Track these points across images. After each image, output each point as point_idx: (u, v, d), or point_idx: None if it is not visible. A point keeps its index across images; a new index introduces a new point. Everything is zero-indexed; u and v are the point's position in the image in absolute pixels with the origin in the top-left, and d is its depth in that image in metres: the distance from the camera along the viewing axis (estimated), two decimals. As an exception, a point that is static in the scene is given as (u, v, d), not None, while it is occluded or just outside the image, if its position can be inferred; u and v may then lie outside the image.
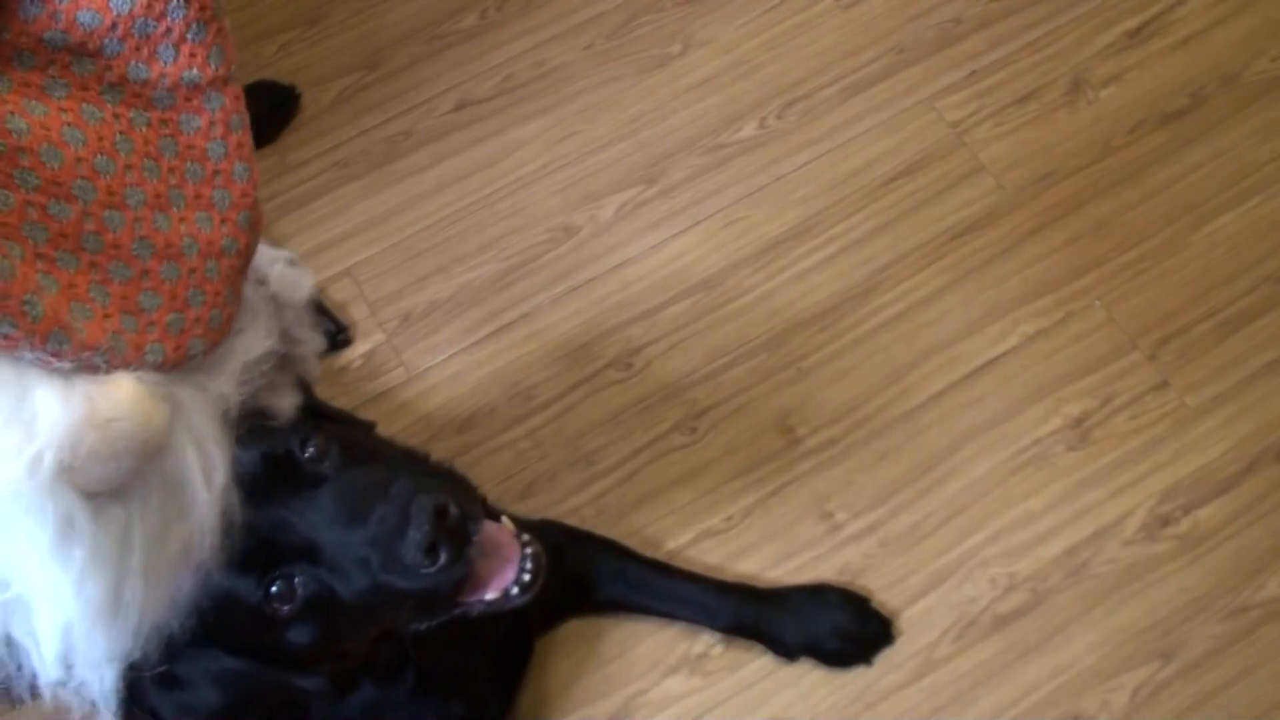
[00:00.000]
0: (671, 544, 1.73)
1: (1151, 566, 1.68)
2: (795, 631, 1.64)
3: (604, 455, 1.80)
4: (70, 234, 0.68)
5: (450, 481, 1.24)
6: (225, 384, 0.79)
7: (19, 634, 0.76)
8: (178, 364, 0.73)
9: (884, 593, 1.68)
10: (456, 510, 1.11)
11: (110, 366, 0.69)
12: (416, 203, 2.01)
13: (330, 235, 2.00)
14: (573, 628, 1.70)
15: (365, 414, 1.53)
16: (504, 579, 1.22)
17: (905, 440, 1.78)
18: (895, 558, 1.71)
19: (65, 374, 0.68)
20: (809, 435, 1.79)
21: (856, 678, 1.65)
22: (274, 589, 1.11)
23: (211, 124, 0.75)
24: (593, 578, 1.66)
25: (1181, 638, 1.64)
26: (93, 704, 0.81)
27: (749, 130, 2.03)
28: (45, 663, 0.76)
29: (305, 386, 1.37)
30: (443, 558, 1.10)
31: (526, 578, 1.23)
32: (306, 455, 1.14)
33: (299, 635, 1.14)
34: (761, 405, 1.81)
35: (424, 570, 1.10)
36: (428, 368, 1.88)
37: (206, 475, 0.79)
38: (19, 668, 0.77)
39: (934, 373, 1.82)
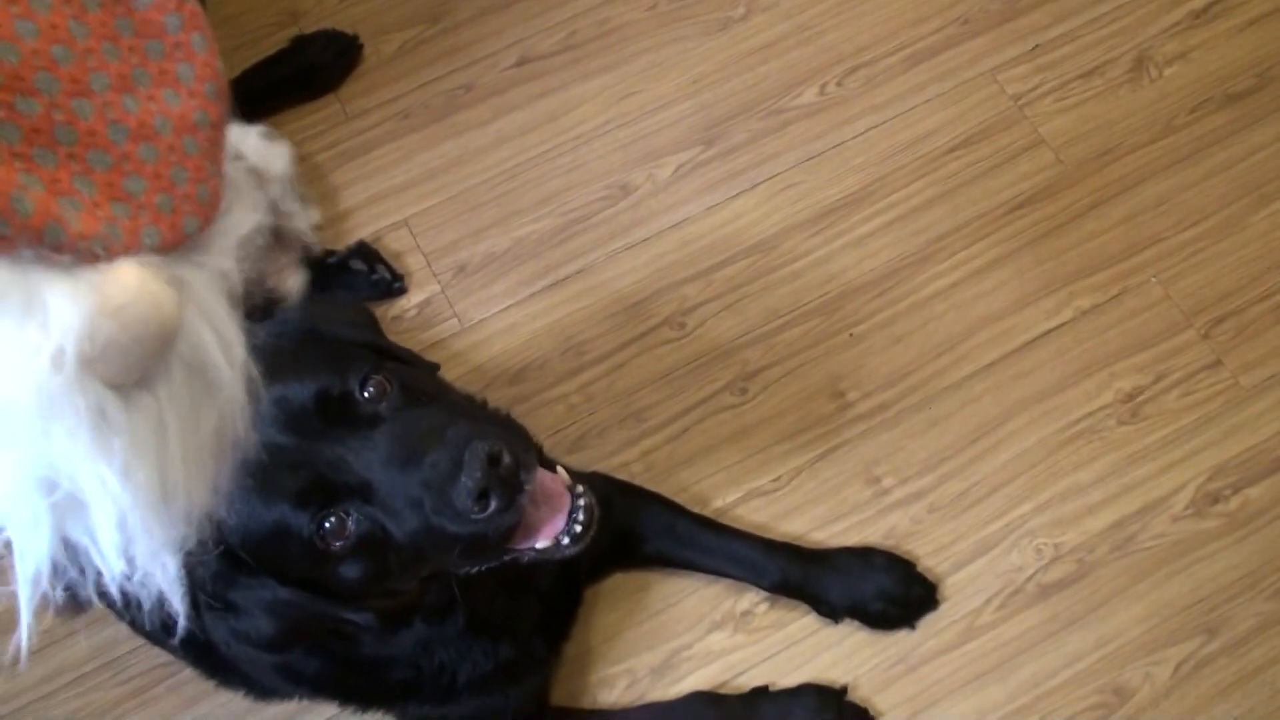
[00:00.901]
0: (719, 502, 1.74)
1: (1199, 543, 1.68)
2: (840, 592, 1.65)
3: (654, 412, 1.81)
4: (42, 129, 0.68)
5: (506, 429, 1.24)
6: (224, 260, 0.79)
7: (75, 534, 0.76)
8: (175, 244, 0.73)
9: (930, 558, 1.69)
10: (510, 458, 1.12)
11: (110, 255, 0.69)
12: (475, 156, 2.02)
13: (388, 185, 2.01)
14: (619, 580, 1.71)
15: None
16: (555, 528, 1.23)
17: (956, 408, 1.78)
18: (942, 524, 1.71)
19: (68, 268, 0.68)
20: (860, 400, 1.79)
21: (899, 641, 1.66)
22: (327, 525, 1.12)
23: None
24: (641, 531, 1.67)
25: (1227, 614, 1.64)
26: (161, 594, 0.82)
27: (809, 96, 2.03)
28: (107, 559, 0.76)
29: (374, 325, 1.38)
30: (494, 505, 1.11)
31: (578, 528, 1.23)
32: (365, 395, 1.15)
33: (350, 571, 1.15)
34: (813, 369, 1.82)
35: (475, 516, 1.11)
36: (481, 319, 1.89)
37: (225, 351, 0.79)
38: (81, 570, 0.78)
39: (987, 343, 1.82)
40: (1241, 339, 1.79)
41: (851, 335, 1.83)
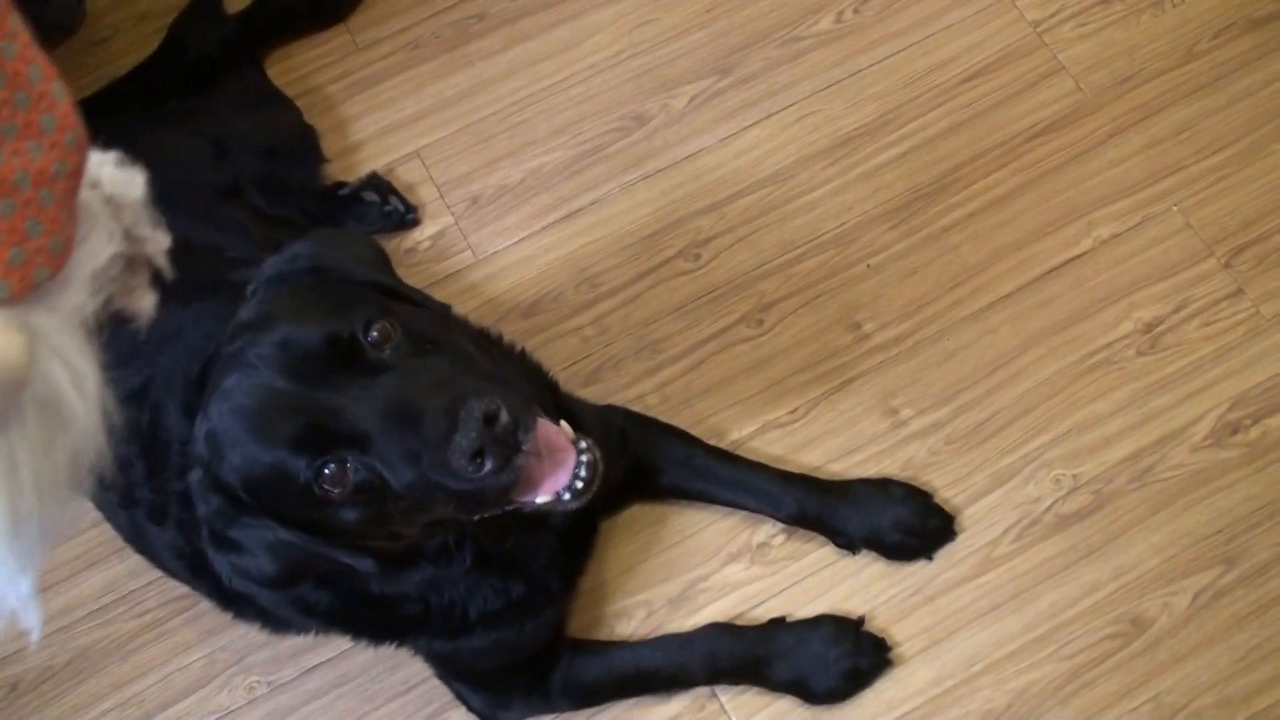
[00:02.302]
0: (735, 434, 1.74)
1: (1218, 473, 1.67)
2: (858, 523, 1.65)
3: (670, 344, 1.80)
4: None
5: (508, 383, 1.22)
6: (77, 296, 0.80)
7: None
8: (24, 295, 0.74)
9: (947, 489, 1.69)
10: (508, 417, 1.11)
11: None
12: (488, 86, 2.00)
13: (399, 117, 1.99)
14: (636, 513, 1.71)
15: (433, 295, 1.53)
16: (557, 483, 1.22)
17: (974, 339, 1.77)
18: (959, 455, 1.70)
19: None
20: (876, 331, 1.78)
21: (916, 572, 1.65)
22: (326, 471, 1.11)
23: (27, 45, 0.74)
24: (658, 464, 1.67)
25: (1245, 545, 1.64)
26: (14, 614, 0.84)
27: (826, 23, 2.00)
28: None
29: (385, 262, 1.36)
30: (489, 465, 1.10)
31: (579, 484, 1.22)
32: (369, 340, 1.14)
33: (349, 515, 1.15)
34: (830, 300, 1.81)
35: (470, 475, 1.10)
36: (495, 251, 1.88)
37: (78, 387, 0.80)
38: None
39: (1006, 273, 1.80)
40: (1263, 268, 1.77)
41: (868, 266, 1.82)
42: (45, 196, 0.74)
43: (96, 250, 0.83)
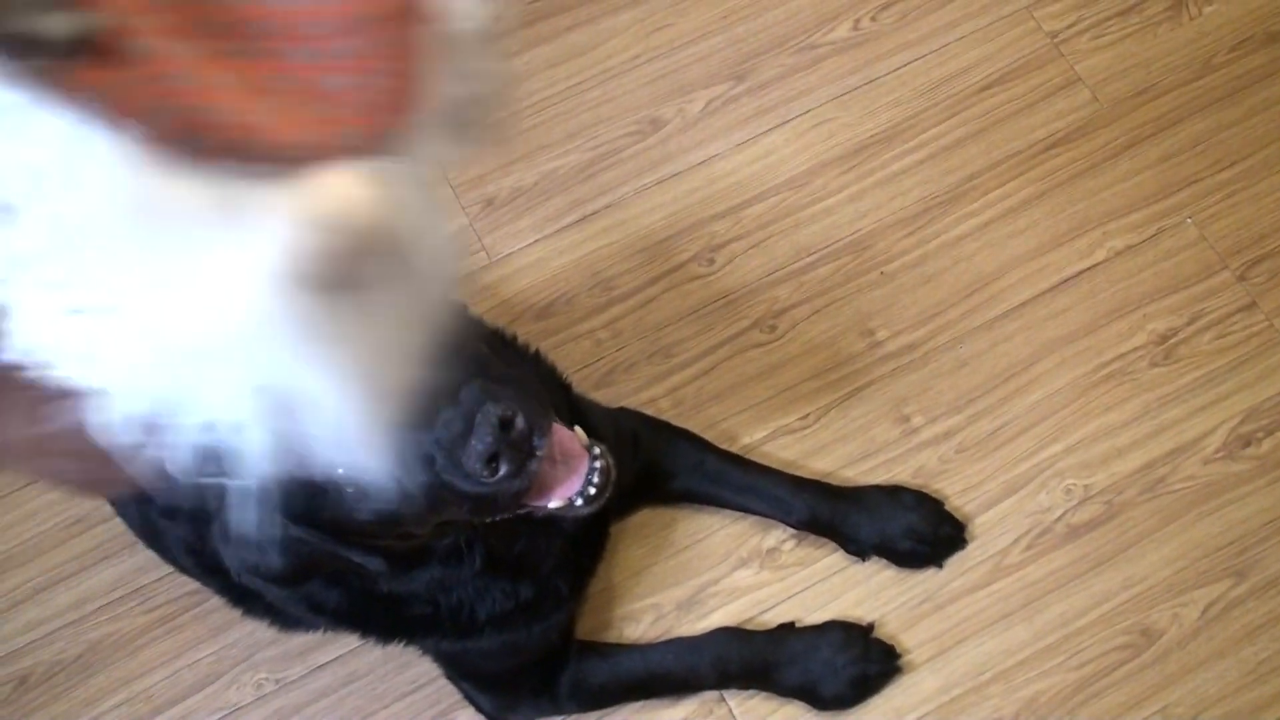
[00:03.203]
0: (747, 439, 1.74)
1: (1230, 485, 1.67)
2: (868, 530, 1.65)
3: (683, 348, 1.80)
4: (241, 20, 0.64)
5: (523, 388, 1.21)
6: (426, 145, 0.73)
7: (292, 432, 0.76)
8: (374, 144, 0.68)
9: (958, 497, 1.69)
10: (523, 424, 1.11)
11: (311, 160, 0.66)
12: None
13: (415, 118, 1.99)
14: (646, 516, 1.71)
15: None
16: (569, 489, 1.22)
17: (986, 348, 1.77)
18: (971, 464, 1.70)
19: (269, 177, 0.65)
20: (889, 339, 1.78)
21: (926, 579, 1.65)
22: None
23: None
24: (669, 467, 1.67)
25: (1256, 557, 1.63)
26: (373, 479, 0.82)
27: (843, 31, 2.00)
28: (323, 452, 0.76)
29: None
30: (503, 470, 1.10)
31: (592, 490, 1.23)
32: None
33: (361, 514, 1.15)
34: (843, 307, 1.81)
35: (484, 479, 1.10)
36: (509, 253, 1.88)
37: (431, 244, 0.76)
38: (298, 458, 0.78)
39: (1019, 283, 1.80)
40: (1277, 281, 1.78)
41: (882, 274, 1.82)
42: (393, 34, 0.68)
43: (445, 92, 0.76)
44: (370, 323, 0.74)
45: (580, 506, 1.23)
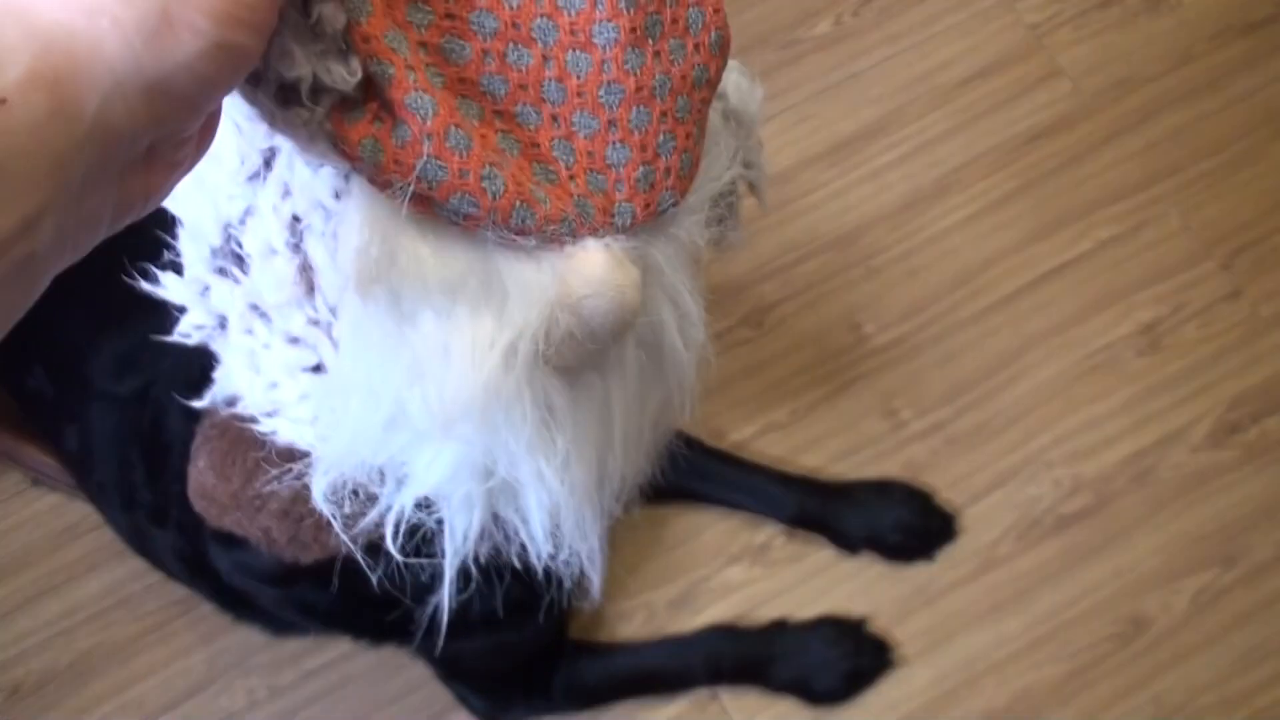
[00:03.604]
0: (735, 436, 1.74)
1: (1217, 473, 1.68)
2: (858, 524, 1.65)
3: (670, 346, 1.79)
4: (531, 83, 0.61)
5: None
6: (693, 227, 0.71)
7: (506, 513, 0.75)
8: (647, 221, 0.65)
9: (948, 490, 1.69)
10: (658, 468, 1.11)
11: (577, 236, 0.63)
12: (486, 90, 1.99)
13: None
14: (636, 514, 1.70)
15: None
16: None
17: (973, 341, 1.77)
18: (960, 456, 1.71)
19: (530, 251, 0.63)
20: (876, 333, 1.78)
21: (917, 573, 1.66)
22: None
23: None
24: (659, 465, 1.66)
25: (1245, 544, 1.64)
26: (580, 569, 0.81)
27: (824, 27, 2.00)
28: (535, 540, 0.76)
29: None
30: None
31: None
32: None
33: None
34: (830, 302, 1.81)
35: None
36: (495, 254, 1.88)
37: (684, 332, 0.73)
38: (505, 539, 0.77)
39: (1005, 275, 1.81)
40: (1261, 269, 1.78)
41: (868, 268, 1.82)
42: (682, 107, 0.65)
43: (716, 173, 0.75)
44: (603, 408, 0.72)
45: None
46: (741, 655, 1.59)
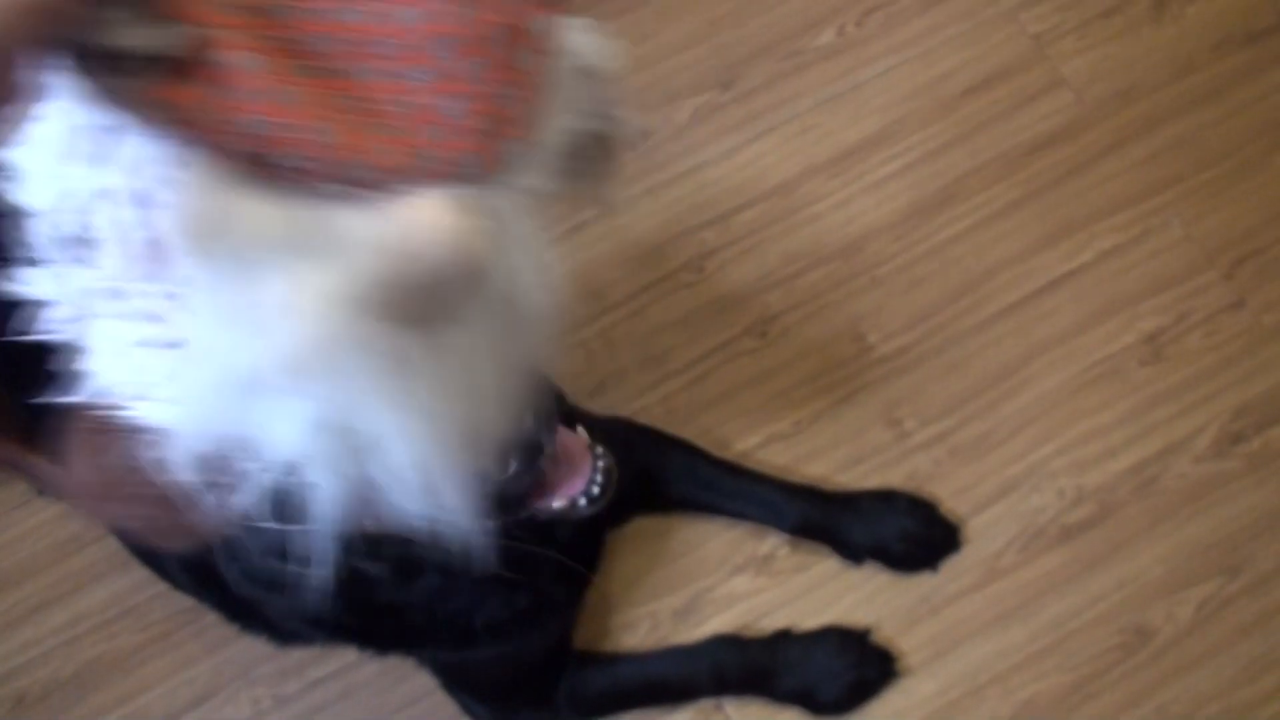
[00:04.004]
0: (740, 445, 1.74)
1: (1221, 483, 1.68)
2: (863, 534, 1.65)
3: (674, 356, 1.80)
4: (361, 39, 0.61)
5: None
6: (540, 177, 0.70)
7: (376, 473, 0.74)
8: (491, 172, 0.65)
9: (952, 500, 1.69)
10: (532, 420, 1.11)
11: (418, 187, 0.62)
12: (490, 100, 2.00)
13: (403, 130, 1.99)
14: (641, 524, 1.71)
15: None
16: (572, 489, 1.22)
17: (977, 350, 1.77)
18: (964, 466, 1.71)
19: (373, 204, 0.62)
20: (880, 343, 1.79)
21: (921, 583, 1.66)
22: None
23: None
24: (663, 475, 1.67)
25: (1249, 554, 1.64)
26: (460, 528, 0.79)
27: (828, 37, 2.01)
28: (407, 497, 0.74)
29: None
30: (512, 466, 1.10)
31: (595, 490, 1.23)
32: None
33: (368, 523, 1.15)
34: (833, 312, 1.81)
35: (493, 474, 1.10)
36: (499, 264, 1.88)
37: (537, 280, 0.73)
38: (378, 502, 0.76)
39: (1008, 285, 1.81)
40: (1264, 279, 1.78)
41: (872, 278, 1.83)
42: (522, 57, 0.65)
43: (563, 125, 0.74)
44: (452, 362, 0.71)
45: (584, 507, 1.23)
46: (746, 665, 1.59)
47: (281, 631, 1.53)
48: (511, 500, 1.16)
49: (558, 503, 1.22)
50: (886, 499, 1.67)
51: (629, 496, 1.65)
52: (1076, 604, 1.63)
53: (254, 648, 1.66)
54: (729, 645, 1.61)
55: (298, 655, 1.67)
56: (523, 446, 1.10)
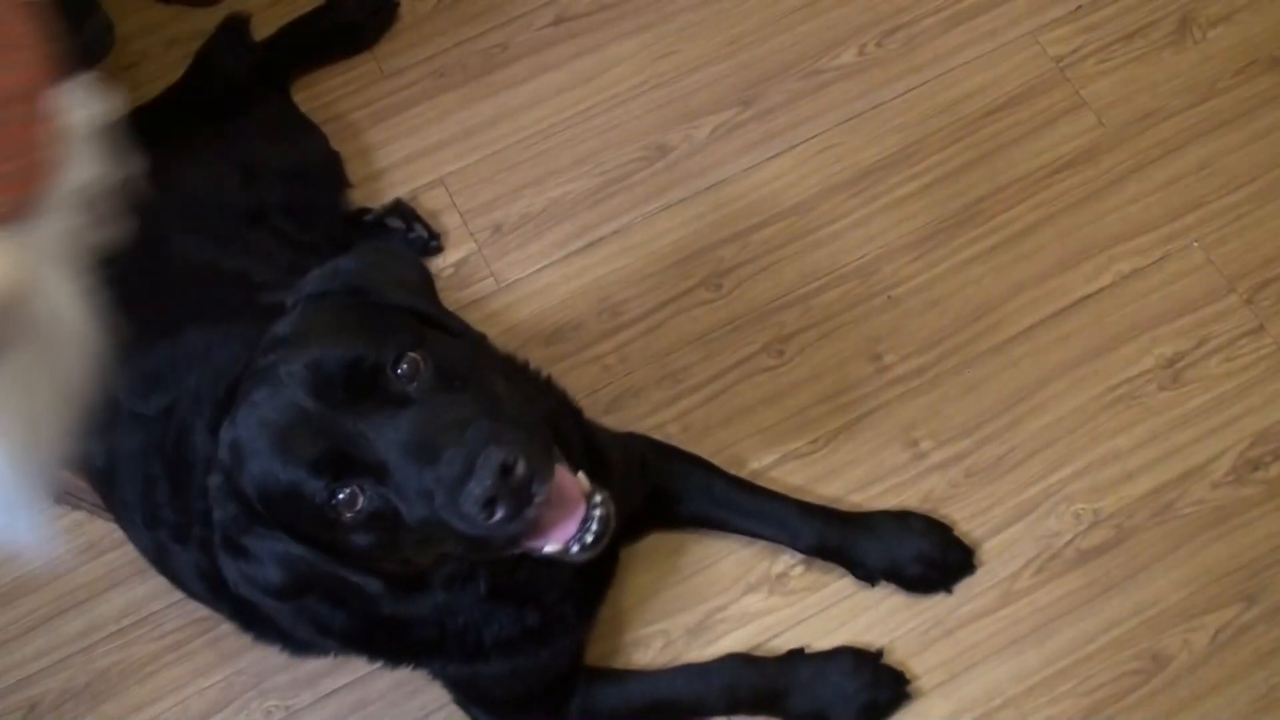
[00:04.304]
0: (755, 464, 1.74)
1: (1239, 510, 1.67)
2: (877, 555, 1.65)
3: (691, 373, 1.80)
4: None
5: (530, 429, 1.18)
6: (61, 220, 0.78)
7: None
8: (16, 215, 0.72)
9: (967, 522, 1.69)
10: (524, 470, 1.09)
11: None
12: (511, 115, 2.01)
13: (424, 144, 2.00)
14: (655, 541, 1.71)
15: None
16: (565, 534, 1.20)
17: (994, 372, 1.77)
18: (980, 488, 1.70)
19: None
20: (898, 363, 1.78)
21: (935, 605, 1.65)
22: (340, 496, 1.12)
23: None
24: (678, 492, 1.67)
25: (1267, 581, 1.63)
26: (25, 543, 0.84)
27: (848, 56, 2.01)
28: None
29: (427, 285, 1.35)
30: (499, 514, 1.09)
31: (589, 538, 1.20)
32: (398, 372, 1.14)
33: (360, 540, 1.16)
34: (851, 331, 1.81)
35: (480, 522, 1.09)
36: (517, 279, 1.89)
37: (66, 312, 0.78)
38: None
39: (1026, 307, 1.81)
40: (1285, 305, 1.78)
41: (889, 298, 1.82)
42: (25, 112, 0.72)
43: (77, 174, 0.81)
44: (4, 386, 0.76)
45: (576, 553, 1.20)
46: (758, 685, 1.59)
47: (295, 641, 1.53)
48: (499, 543, 1.15)
49: (550, 547, 1.20)
50: (901, 520, 1.67)
51: (643, 513, 1.65)
52: (1092, 629, 1.62)
53: (267, 658, 1.66)
54: (741, 664, 1.61)
55: (311, 667, 1.67)
56: (511, 493, 1.09)
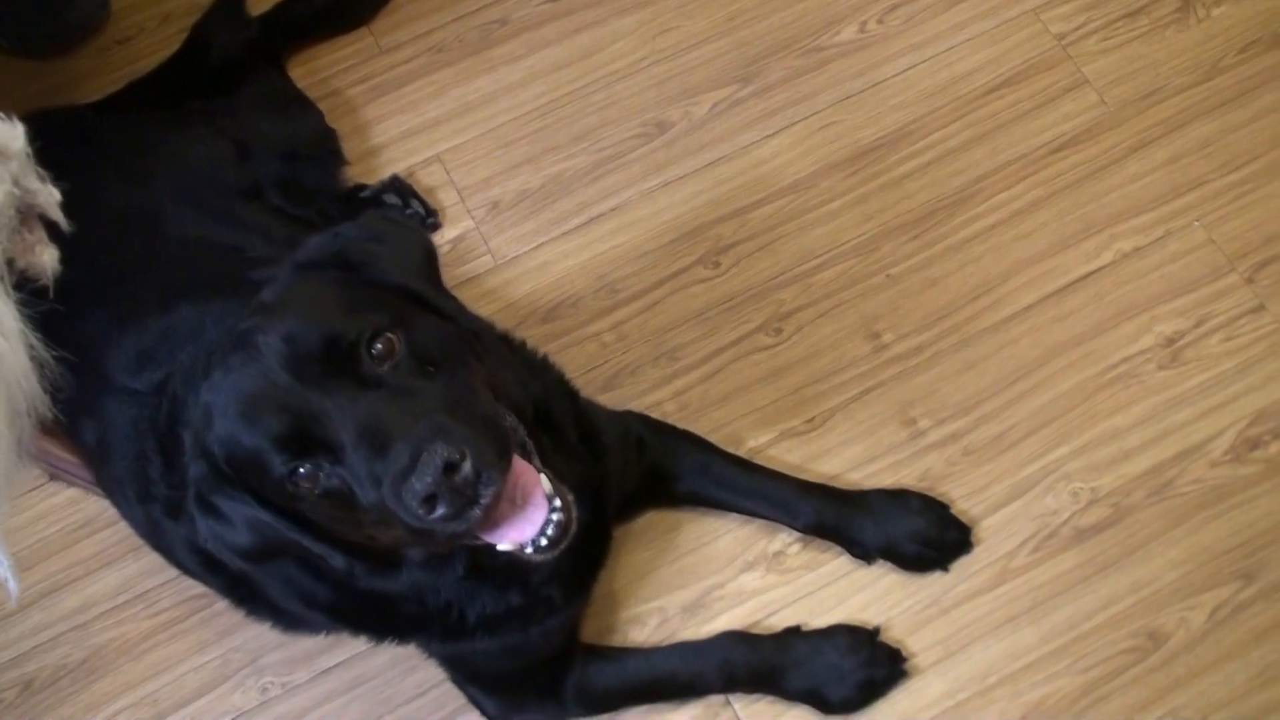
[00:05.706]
0: (752, 442, 1.73)
1: (1238, 488, 1.66)
2: (874, 534, 1.64)
3: (688, 351, 1.79)
4: None
5: (490, 428, 1.15)
6: None
7: None
8: None
9: (964, 501, 1.68)
10: (470, 470, 1.08)
11: None
12: (509, 92, 2.00)
13: (421, 120, 1.99)
14: (651, 519, 1.71)
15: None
16: (521, 534, 1.18)
17: (993, 351, 1.76)
18: (977, 467, 1.70)
19: None
20: (896, 341, 1.78)
21: (932, 583, 1.65)
22: (300, 471, 1.11)
23: None
24: (674, 470, 1.66)
25: (1264, 560, 1.63)
26: None
27: (849, 33, 2.00)
28: None
29: (427, 262, 1.33)
30: (439, 511, 1.08)
31: (544, 541, 1.18)
32: (372, 353, 1.13)
33: (319, 515, 1.16)
34: (849, 310, 1.80)
35: (420, 516, 1.08)
36: (515, 256, 1.88)
37: (10, 339, 0.81)
38: None
39: (1026, 285, 1.80)
40: (1285, 284, 1.77)
41: (888, 276, 1.82)
42: None
43: None
44: None
45: (530, 554, 1.19)
46: (755, 662, 1.59)
47: (286, 616, 1.53)
48: (444, 538, 1.14)
49: (505, 545, 1.19)
50: (899, 498, 1.66)
51: (640, 491, 1.65)
52: (1089, 607, 1.62)
53: (263, 635, 1.66)
54: (738, 642, 1.60)
55: (307, 644, 1.67)
56: (453, 491, 1.08)
